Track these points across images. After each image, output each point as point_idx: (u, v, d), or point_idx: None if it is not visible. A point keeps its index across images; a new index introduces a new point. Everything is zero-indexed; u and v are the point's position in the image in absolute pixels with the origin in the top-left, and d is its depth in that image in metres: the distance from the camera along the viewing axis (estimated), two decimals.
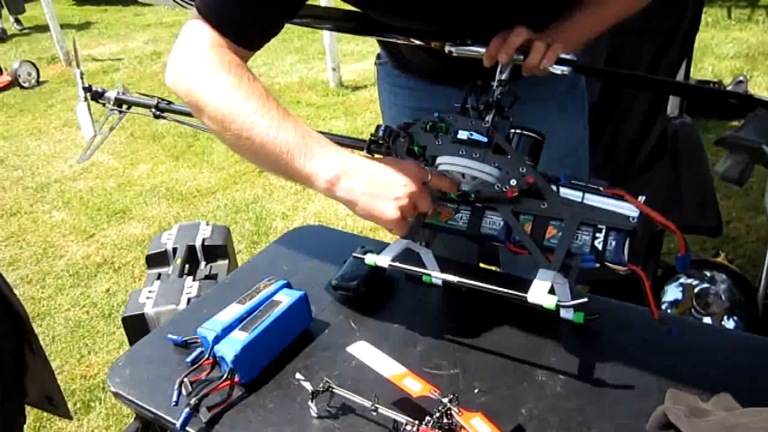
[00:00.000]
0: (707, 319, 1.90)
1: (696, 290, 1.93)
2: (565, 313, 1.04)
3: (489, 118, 0.97)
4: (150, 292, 1.87)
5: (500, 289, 0.91)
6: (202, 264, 2.08)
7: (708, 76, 4.22)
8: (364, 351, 0.90)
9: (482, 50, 1.04)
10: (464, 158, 0.96)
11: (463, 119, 0.98)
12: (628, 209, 0.89)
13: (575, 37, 1.08)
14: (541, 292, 0.87)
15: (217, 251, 2.11)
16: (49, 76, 5.81)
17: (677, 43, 2.01)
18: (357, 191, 0.90)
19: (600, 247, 0.90)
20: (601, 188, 0.91)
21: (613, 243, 0.90)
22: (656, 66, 2.03)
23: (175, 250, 2.09)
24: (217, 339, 1.01)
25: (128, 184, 3.69)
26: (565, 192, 0.93)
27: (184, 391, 0.98)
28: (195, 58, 0.94)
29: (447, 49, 1.07)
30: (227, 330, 1.02)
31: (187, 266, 2.05)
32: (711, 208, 1.89)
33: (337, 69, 4.66)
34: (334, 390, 0.92)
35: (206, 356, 1.01)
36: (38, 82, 5.62)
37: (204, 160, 3.84)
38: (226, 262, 2.10)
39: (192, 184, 3.60)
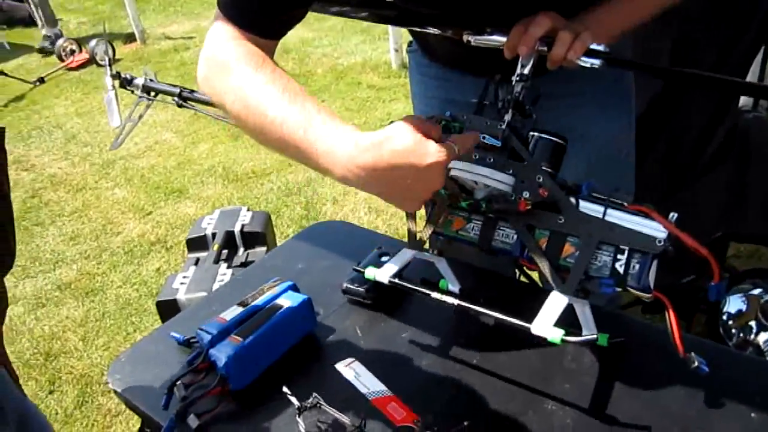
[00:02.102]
0: None
1: (762, 301, 1.76)
2: (586, 333, 0.94)
3: (507, 117, 0.87)
4: (185, 277, 1.87)
5: (501, 316, 0.82)
6: (241, 250, 2.07)
7: None
8: (352, 369, 0.84)
9: (503, 39, 0.94)
10: (477, 164, 0.87)
11: (477, 119, 0.89)
12: (656, 229, 0.78)
13: (611, 26, 0.96)
14: (547, 322, 0.78)
15: (256, 238, 2.09)
16: (124, 54, 5.98)
17: (753, 28, 1.82)
18: (371, 190, 0.81)
19: (621, 270, 0.80)
20: (625, 203, 0.80)
21: (637, 266, 0.79)
22: (728, 55, 1.85)
23: (214, 235, 2.09)
24: (213, 342, 0.98)
25: (188, 163, 3.75)
26: (586, 206, 0.83)
27: (177, 394, 0.95)
28: (215, 58, 0.91)
29: (465, 38, 0.98)
30: (224, 333, 0.99)
31: (225, 252, 2.04)
32: None
33: (399, 50, 4.57)
34: (322, 406, 0.86)
35: (201, 359, 0.98)
36: (114, 60, 5.79)
37: None
38: (264, 249, 2.08)
39: (248, 165, 3.61)
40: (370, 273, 0.94)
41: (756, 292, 1.78)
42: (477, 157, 0.87)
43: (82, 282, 2.78)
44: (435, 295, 0.90)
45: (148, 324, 2.45)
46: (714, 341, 1.47)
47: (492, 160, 0.86)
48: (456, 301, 0.88)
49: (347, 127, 0.80)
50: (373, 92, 4.37)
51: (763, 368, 1.02)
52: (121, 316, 2.52)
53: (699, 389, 0.85)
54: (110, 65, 1.45)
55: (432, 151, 0.75)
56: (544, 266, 0.84)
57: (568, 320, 0.81)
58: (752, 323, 1.77)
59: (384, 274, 0.93)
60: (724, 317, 1.82)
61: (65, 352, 2.37)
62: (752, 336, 1.78)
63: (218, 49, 0.91)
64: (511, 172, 0.85)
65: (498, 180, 0.86)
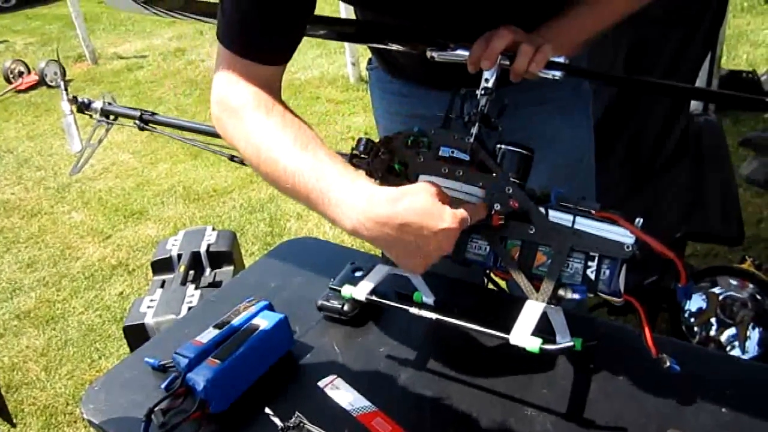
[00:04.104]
0: (731, 329, 1.80)
1: (720, 298, 1.82)
2: (561, 339, 0.96)
3: (474, 131, 0.89)
4: (151, 300, 1.84)
5: (481, 328, 0.84)
6: (207, 270, 2.05)
7: (742, 65, 4.04)
8: (335, 386, 0.84)
9: (466, 54, 0.96)
10: (447, 179, 0.88)
11: (444, 134, 0.90)
12: (623, 235, 0.80)
13: (571, 37, 1.00)
14: (524, 332, 0.79)
15: (223, 257, 2.07)
16: (75, 74, 5.87)
17: (701, 34, 1.90)
18: (380, 244, 0.81)
19: (592, 276, 0.82)
20: (592, 211, 0.83)
21: (607, 272, 0.81)
22: (680, 59, 1.92)
23: (180, 256, 2.06)
24: (190, 366, 0.97)
25: (147, 184, 3.69)
26: (555, 215, 0.85)
27: (156, 421, 0.94)
28: (226, 102, 0.92)
29: (429, 54, 0.99)
30: (201, 356, 0.98)
31: (192, 273, 2.02)
32: (733, 215, 1.78)
33: (356, 64, 4.60)
34: (305, 426, 0.86)
35: (179, 384, 0.97)
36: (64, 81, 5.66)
37: (222, 158, 3.80)
38: (231, 268, 2.06)
39: (209, 183, 3.58)
40: (347, 291, 0.94)
41: (715, 290, 1.84)
42: (446, 170, 0.89)
43: (42, 310, 2.70)
44: (413, 309, 0.90)
45: (113, 350, 2.40)
46: (677, 339, 1.51)
47: (461, 173, 0.88)
48: (435, 315, 0.89)
49: (361, 179, 0.81)
50: (332, 106, 4.38)
51: (730, 364, 1.06)
52: (85, 343, 2.46)
53: (671, 387, 0.88)
54: (66, 89, 1.42)
55: (446, 217, 0.76)
56: (518, 277, 0.86)
57: (541, 327, 0.83)
58: (712, 320, 1.83)
59: (360, 291, 0.93)
60: (686, 315, 1.88)
61: (27, 383, 2.30)
62: (713, 332, 1.85)
63: (228, 93, 0.91)
64: (480, 184, 0.87)
65: (468, 193, 0.88)
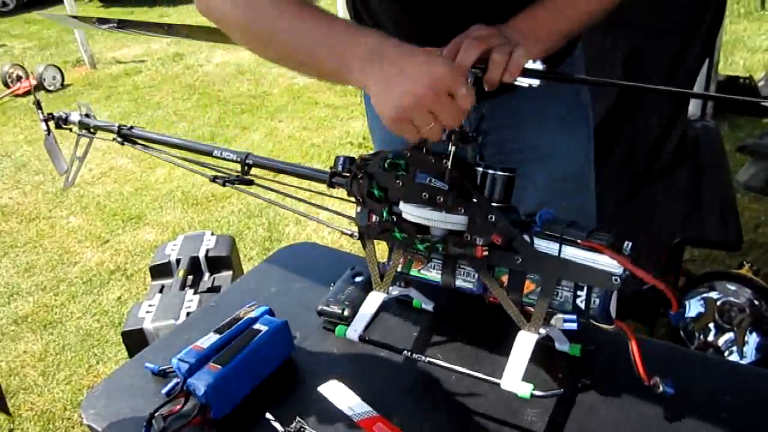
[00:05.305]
0: (730, 334, 1.80)
1: (718, 303, 1.82)
2: (560, 346, 0.97)
3: (452, 150, 0.82)
4: (150, 305, 1.84)
5: (471, 372, 0.86)
6: (206, 275, 2.05)
7: (739, 70, 4.06)
8: (335, 391, 0.85)
9: None
10: (426, 208, 0.86)
11: (421, 157, 0.85)
12: (611, 266, 0.78)
13: (549, 28, 0.94)
14: (515, 375, 0.80)
15: (222, 262, 2.08)
16: (74, 79, 5.87)
17: (698, 40, 1.91)
18: (389, 65, 0.80)
19: (582, 305, 0.81)
20: (578, 240, 0.79)
21: (597, 301, 0.80)
22: (676, 65, 1.93)
23: (178, 261, 2.06)
24: (191, 371, 0.97)
25: (145, 189, 3.69)
26: (541, 244, 0.82)
27: (156, 426, 0.94)
28: None
29: None
30: (202, 361, 0.98)
31: (191, 278, 2.02)
32: (731, 221, 1.79)
33: None
34: (306, 431, 0.86)
35: (180, 389, 0.97)
36: (62, 86, 5.67)
37: None
38: (230, 273, 2.06)
39: (207, 188, 3.57)
40: (340, 331, 0.96)
41: (712, 295, 1.84)
42: (427, 197, 0.85)
43: (40, 314, 2.70)
44: (406, 353, 0.93)
45: (111, 355, 2.39)
46: (676, 344, 1.52)
47: (441, 199, 0.84)
48: (428, 358, 0.91)
49: (374, 31, 0.85)
50: (331, 111, 4.39)
51: (728, 369, 1.06)
52: (83, 348, 2.46)
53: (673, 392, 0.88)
54: (40, 108, 1.33)
55: (435, 77, 0.78)
56: (508, 307, 0.85)
57: None
58: (711, 325, 1.84)
59: (354, 332, 0.94)
60: (685, 321, 1.89)
61: (24, 388, 2.30)
62: (711, 337, 1.85)
63: None
64: (462, 211, 0.84)
65: (451, 222, 0.85)
